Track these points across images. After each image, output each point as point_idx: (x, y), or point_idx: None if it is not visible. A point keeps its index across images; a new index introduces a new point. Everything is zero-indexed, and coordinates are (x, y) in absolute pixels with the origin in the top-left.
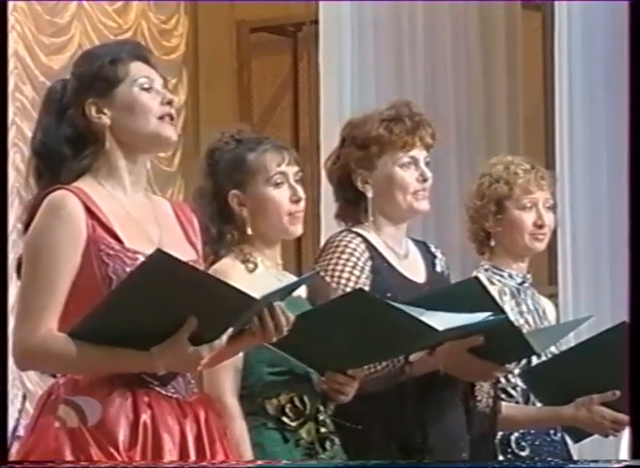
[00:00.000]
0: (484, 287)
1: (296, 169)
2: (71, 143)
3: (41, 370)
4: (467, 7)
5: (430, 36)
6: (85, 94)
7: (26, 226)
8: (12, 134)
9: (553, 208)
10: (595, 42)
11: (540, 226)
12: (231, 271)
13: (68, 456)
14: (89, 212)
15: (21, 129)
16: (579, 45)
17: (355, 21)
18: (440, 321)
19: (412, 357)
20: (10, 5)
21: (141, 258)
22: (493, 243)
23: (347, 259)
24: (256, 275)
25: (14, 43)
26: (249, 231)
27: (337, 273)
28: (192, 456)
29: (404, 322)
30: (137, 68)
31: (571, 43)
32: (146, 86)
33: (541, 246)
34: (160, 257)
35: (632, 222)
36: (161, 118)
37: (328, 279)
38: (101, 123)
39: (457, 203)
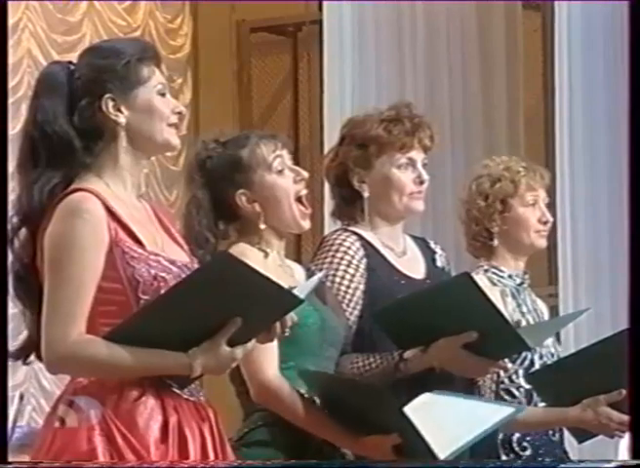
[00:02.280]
0: (475, 282)
1: (288, 152)
2: (82, 135)
3: (76, 374)
4: (468, 7)
5: (431, 36)
6: (103, 87)
7: (33, 227)
8: None
9: (550, 205)
10: (595, 42)
11: (545, 222)
12: (249, 254)
13: (101, 459)
14: (110, 214)
15: None
16: (578, 45)
17: (356, 22)
18: (448, 444)
19: (406, 354)
20: (22, 4)
21: (162, 261)
22: (495, 243)
23: (342, 258)
24: (267, 263)
25: (26, 42)
26: (262, 226)
27: (331, 272)
28: (211, 457)
29: (415, 442)
30: (157, 72)
31: (571, 43)
32: (163, 91)
33: (544, 243)
34: (225, 259)
35: (632, 222)
36: (169, 125)
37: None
38: (118, 121)
39: (451, 205)
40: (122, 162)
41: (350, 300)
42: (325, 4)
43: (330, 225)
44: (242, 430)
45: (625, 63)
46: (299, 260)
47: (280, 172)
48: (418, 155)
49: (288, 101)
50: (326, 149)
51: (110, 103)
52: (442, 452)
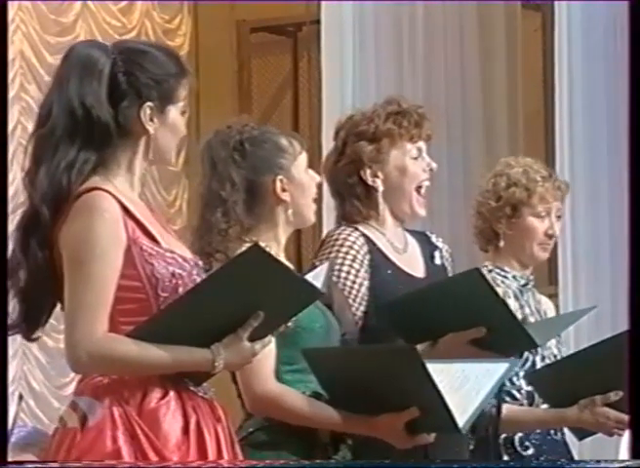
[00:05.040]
0: (485, 278)
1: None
2: (117, 128)
3: (102, 372)
4: (467, 7)
5: (430, 36)
6: (149, 94)
7: (54, 208)
8: (18, 133)
9: (560, 217)
10: (595, 42)
11: (551, 236)
12: None
13: (126, 459)
14: (126, 212)
15: (27, 128)
16: (578, 45)
17: (356, 22)
18: (463, 410)
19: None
20: (14, 5)
21: (177, 258)
22: (502, 244)
23: (347, 253)
24: None
25: (19, 43)
26: (291, 218)
27: (336, 267)
28: (225, 456)
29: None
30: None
31: (571, 43)
32: (184, 110)
33: (546, 256)
34: (257, 252)
35: (632, 222)
36: (176, 145)
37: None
38: (149, 130)
39: (455, 202)
40: (133, 165)
41: (356, 296)
42: (324, 4)
43: (328, 224)
44: (247, 430)
45: (625, 63)
46: (299, 260)
47: (306, 170)
48: (423, 145)
49: (288, 101)
50: (325, 149)
51: (148, 111)
52: (460, 419)
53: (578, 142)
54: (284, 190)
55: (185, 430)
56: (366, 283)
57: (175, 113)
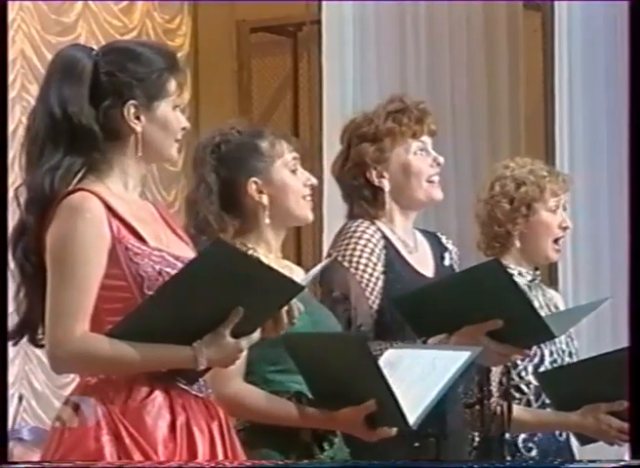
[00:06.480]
0: (504, 269)
1: (298, 156)
2: (103, 131)
3: (81, 372)
4: (469, 7)
5: (432, 37)
6: (130, 93)
7: (42, 212)
8: (19, 133)
9: (566, 209)
10: (595, 42)
11: (566, 228)
12: None
13: (109, 458)
14: (111, 212)
15: None
16: (579, 45)
17: (357, 22)
18: (415, 405)
19: (430, 341)
20: (16, 5)
21: (166, 256)
22: (518, 245)
23: (365, 245)
24: None
25: (20, 43)
26: (267, 220)
27: (355, 258)
28: (220, 456)
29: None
30: (176, 86)
31: (571, 43)
32: (176, 104)
33: (558, 257)
34: (219, 246)
35: (632, 222)
36: (176, 141)
37: (346, 264)
38: (136, 129)
39: (455, 204)
40: (125, 165)
41: (373, 289)
42: (324, 4)
43: (330, 225)
44: None
45: (625, 63)
46: (299, 260)
47: (294, 171)
48: (427, 140)
49: (288, 101)
50: (326, 149)
51: (132, 110)
52: (411, 415)
53: (578, 142)
54: (261, 192)
55: (172, 428)
56: (382, 277)
57: (165, 108)
